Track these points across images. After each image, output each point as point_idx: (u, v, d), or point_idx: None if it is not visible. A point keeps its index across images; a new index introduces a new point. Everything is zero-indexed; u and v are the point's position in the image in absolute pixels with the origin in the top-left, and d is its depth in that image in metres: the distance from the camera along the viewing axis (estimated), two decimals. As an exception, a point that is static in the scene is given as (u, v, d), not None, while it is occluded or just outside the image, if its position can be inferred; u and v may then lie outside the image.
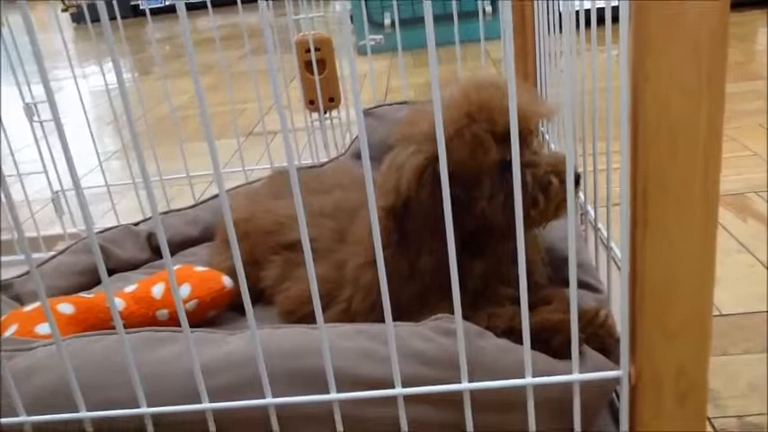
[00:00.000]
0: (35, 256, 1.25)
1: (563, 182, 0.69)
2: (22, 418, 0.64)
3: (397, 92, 2.61)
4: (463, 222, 0.73)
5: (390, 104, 1.31)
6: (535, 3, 1.22)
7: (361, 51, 3.09)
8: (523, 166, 0.71)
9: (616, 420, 0.70)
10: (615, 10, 0.73)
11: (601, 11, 0.79)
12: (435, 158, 0.70)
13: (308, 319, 0.71)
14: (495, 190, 0.71)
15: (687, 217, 0.52)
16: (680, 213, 0.51)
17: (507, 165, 0.69)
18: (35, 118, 1.41)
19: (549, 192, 0.71)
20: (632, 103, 0.51)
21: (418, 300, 0.75)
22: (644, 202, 0.52)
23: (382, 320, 0.58)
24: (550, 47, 1.16)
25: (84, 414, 0.63)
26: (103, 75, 1.38)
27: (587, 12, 0.83)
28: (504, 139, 0.69)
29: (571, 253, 0.55)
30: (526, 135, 0.72)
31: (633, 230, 0.54)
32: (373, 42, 3.19)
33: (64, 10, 6.86)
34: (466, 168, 0.70)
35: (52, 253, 1.12)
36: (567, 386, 0.61)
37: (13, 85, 1.36)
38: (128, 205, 1.65)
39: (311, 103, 1.57)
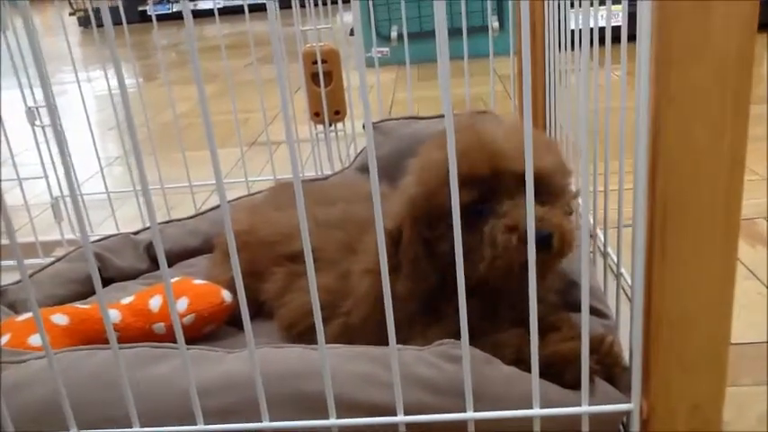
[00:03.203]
0: (32, 261, 1.23)
1: (520, 240, 0.64)
2: (10, 435, 0.62)
3: (402, 104, 2.59)
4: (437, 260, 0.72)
5: (397, 119, 1.29)
6: (546, 20, 1.20)
7: (368, 63, 3.08)
8: (492, 216, 0.67)
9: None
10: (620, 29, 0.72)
11: (614, 30, 0.78)
12: (424, 192, 0.70)
13: (309, 332, 0.69)
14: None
15: (707, 247, 0.50)
16: (700, 243, 0.50)
17: (475, 212, 0.67)
18: (37, 122, 1.39)
19: (495, 246, 0.66)
20: (653, 125, 0.49)
21: (406, 324, 0.73)
22: (662, 230, 0.50)
23: (375, 335, 0.56)
24: (560, 65, 1.14)
25: (74, 432, 0.61)
26: (107, 79, 1.36)
27: (601, 30, 0.82)
28: (470, 183, 0.65)
29: (584, 285, 0.53)
30: (506, 182, 0.67)
31: (649, 260, 0.52)
32: (380, 55, 3.18)
33: (72, 14, 6.86)
34: (427, 209, 0.70)
35: (50, 260, 1.10)
36: (575, 417, 0.59)
37: (16, 89, 1.35)
38: (128, 212, 1.63)
39: (316, 116, 1.55)
